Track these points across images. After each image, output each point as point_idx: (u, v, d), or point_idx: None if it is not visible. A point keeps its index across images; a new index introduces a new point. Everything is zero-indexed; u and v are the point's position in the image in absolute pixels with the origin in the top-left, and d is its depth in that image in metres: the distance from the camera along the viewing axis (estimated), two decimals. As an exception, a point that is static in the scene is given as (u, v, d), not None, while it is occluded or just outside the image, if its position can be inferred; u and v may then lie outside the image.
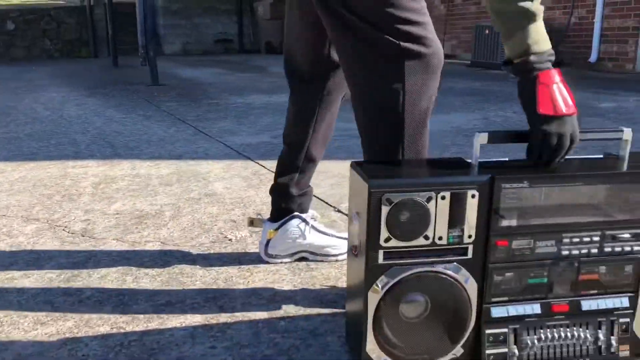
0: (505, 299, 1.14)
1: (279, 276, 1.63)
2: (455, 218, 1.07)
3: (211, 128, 3.88)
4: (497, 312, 1.14)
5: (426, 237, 1.07)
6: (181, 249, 1.83)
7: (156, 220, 2.11)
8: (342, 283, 1.58)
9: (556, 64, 1.14)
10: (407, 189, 1.04)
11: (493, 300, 1.14)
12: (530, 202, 1.10)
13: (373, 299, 1.09)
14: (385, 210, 1.04)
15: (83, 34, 8.36)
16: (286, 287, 1.57)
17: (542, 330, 1.16)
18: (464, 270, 1.10)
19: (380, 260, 1.07)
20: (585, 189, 1.11)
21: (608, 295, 1.18)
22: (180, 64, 9.41)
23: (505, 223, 1.10)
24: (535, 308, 1.15)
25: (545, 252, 1.13)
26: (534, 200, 1.10)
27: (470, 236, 1.09)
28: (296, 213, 1.67)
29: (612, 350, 1.19)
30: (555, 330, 1.17)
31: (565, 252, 1.13)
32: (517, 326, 1.15)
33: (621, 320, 1.19)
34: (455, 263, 1.10)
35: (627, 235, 1.15)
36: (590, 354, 1.19)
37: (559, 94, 1.11)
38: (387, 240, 1.06)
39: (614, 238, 1.14)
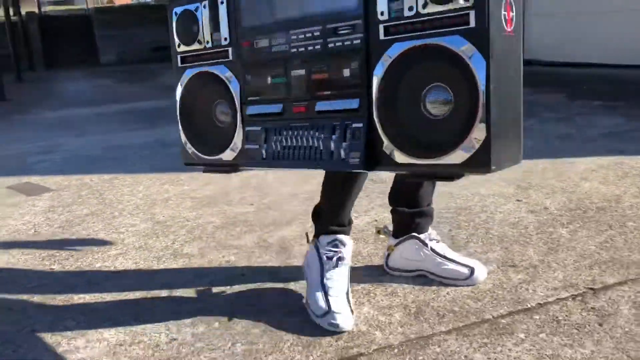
0: (257, 98, 1.25)
1: None
2: (215, 23, 1.29)
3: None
4: (251, 109, 1.26)
5: (199, 42, 1.33)
6: None
7: None
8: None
9: None
10: (186, 2, 1.34)
11: (249, 99, 1.26)
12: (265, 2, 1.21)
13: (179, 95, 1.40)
14: (174, 20, 1.36)
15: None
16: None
17: (286, 132, 1.20)
18: (228, 72, 1.29)
19: (178, 64, 1.39)
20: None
21: (341, 98, 1.12)
22: (88, 75, 9.50)
23: (246, 23, 1.24)
24: (278, 107, 1.21)
25: (279, 50, 1.19)
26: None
27: (225, 39, 1.28)
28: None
29: (342, 156, 1.11)
30: (296, 132, 1.19)
31: (293, 50, 1.17)
32: (269, 126, 1.23)
33: (354, 125, 1.10)
34: (222, 65, 1.30)
35: (346, 29, 1.09)
36: (324, 159, 1.14)
37: None
38: (179, 45, 1.37)
39: (336, 32, 1.10)
